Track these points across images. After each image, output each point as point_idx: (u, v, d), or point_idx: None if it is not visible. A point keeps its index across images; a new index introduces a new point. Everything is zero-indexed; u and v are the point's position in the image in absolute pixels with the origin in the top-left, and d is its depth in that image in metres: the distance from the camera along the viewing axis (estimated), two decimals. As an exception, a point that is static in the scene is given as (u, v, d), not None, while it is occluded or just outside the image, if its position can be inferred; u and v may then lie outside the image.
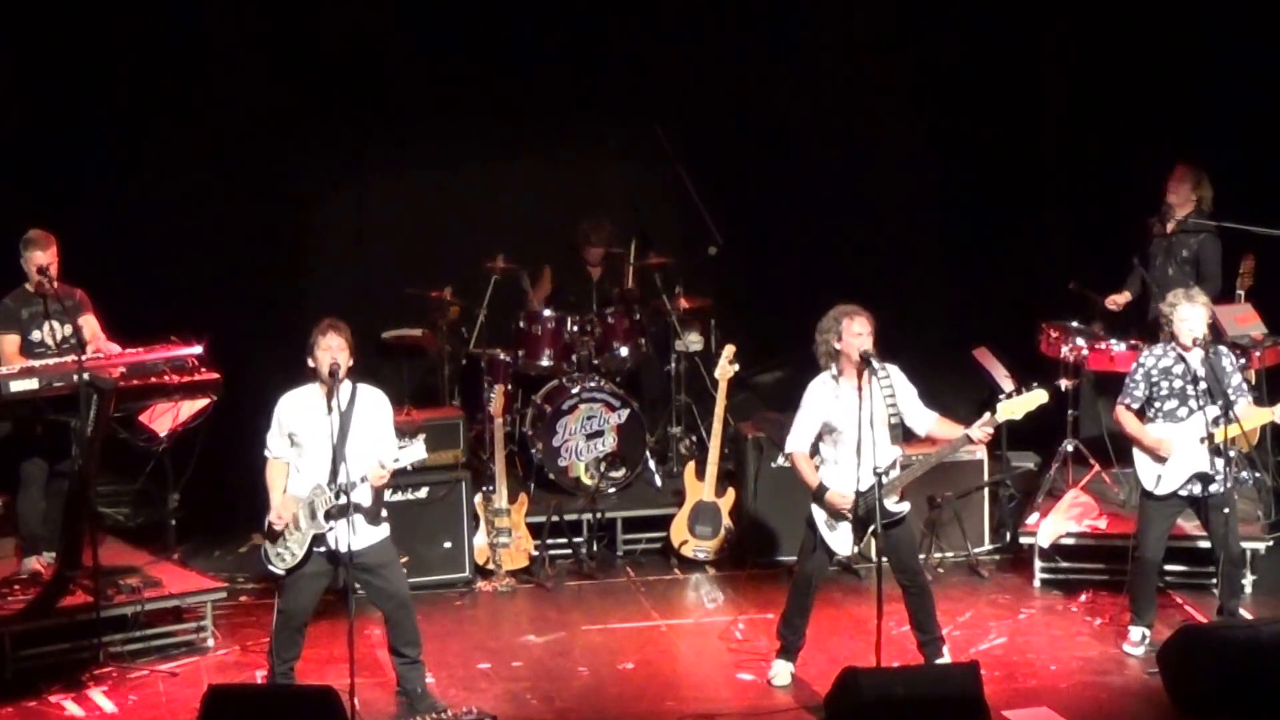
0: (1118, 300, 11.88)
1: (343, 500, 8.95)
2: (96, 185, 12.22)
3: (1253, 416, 10.03)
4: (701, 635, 10.62)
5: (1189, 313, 9.89)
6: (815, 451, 9.65)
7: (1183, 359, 9.94)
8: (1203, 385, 9.87)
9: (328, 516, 9.02)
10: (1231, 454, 9.91)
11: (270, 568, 9.28)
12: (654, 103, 13.12)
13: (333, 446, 8.98)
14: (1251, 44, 12.44)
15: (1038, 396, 9.56)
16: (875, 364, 9.36)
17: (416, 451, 9.01)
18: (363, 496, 9.07)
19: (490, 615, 11.01)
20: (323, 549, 9.09)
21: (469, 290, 12.41)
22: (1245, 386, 10.13)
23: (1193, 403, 9.91)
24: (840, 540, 9.54)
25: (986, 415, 9.49)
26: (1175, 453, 9.89)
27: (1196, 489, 9.93)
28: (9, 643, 9.79)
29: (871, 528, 9.37)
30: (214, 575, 11.03)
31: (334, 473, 8.99)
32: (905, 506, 9.54)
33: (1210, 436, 9.76)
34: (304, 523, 9.10)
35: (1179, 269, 11.66)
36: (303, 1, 12.69)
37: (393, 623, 9.37)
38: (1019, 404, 9.54)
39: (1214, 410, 9.77)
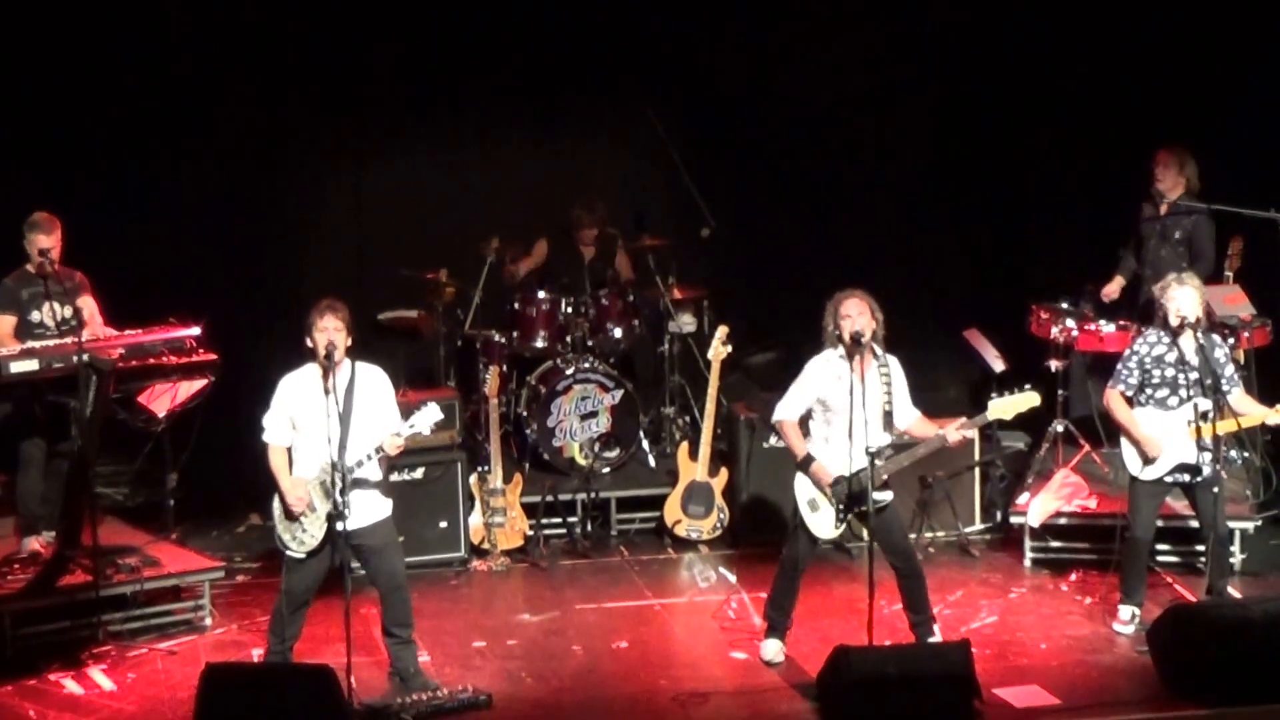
0: (1110, 291, 11.89)
1: (351, 477, 8.95)
2: (97, 169, 12.26)
3: (1248, 415, 9.93)
4: (695, 614, 10.68)
5: (1179, 293, 9.87)
6: (807, 430, 9.66)
7: (1176, 346, 9.92)
8: (1194, 374, 9.86)
9: (342, 494, 8.96)
10: (1220, 433, 9.91)
11: (289, 552, 9.19)
12: (646, 85, 13.16)
13: (339, 425, 8.96)
14: (1242, 31, 12.50)
15: (1029, 399, 9.55)
16: (877, 350, 9.41)
17: (431, 415, 9.03)
18: (373, 471, 9.12)
19: (485, 594, 11.06)
20: (340, 528, 8.99)
21: (464, 272, 12.45)
22: (1238, 377, 10.13)
23: (1183, 392, 9.89)
24: (821, 524, 9.54)
25: (964, 419, 9.53)
26: (1163, 444, 9.92)
27: (1184, 478, 9.93)
28: (9, 621, 9.83)
29: (855, 509, 9.41)
30: (212, 555, 11.07)
31: (341, 451, 8.96)
32: (888, 495, 9.53)
33: (1197, 429, 9.73)
34: (318, 503, 9.10)
35: (1173, 250, 11.68)
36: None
37: (386, 603, 9.39)
38: (1009, 404, 9.52)
39: (1205, 403, 9.73)
